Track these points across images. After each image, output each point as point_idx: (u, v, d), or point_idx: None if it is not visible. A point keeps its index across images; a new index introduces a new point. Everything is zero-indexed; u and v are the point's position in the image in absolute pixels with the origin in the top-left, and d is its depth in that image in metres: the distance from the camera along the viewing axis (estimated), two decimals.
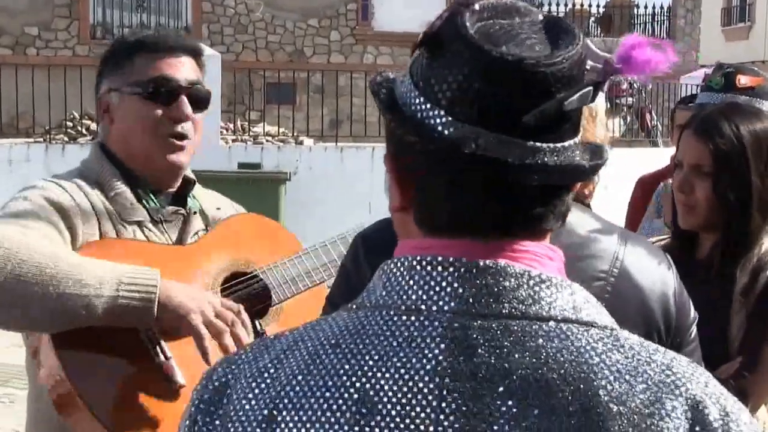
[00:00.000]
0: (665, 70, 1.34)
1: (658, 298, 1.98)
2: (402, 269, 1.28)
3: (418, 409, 1.20)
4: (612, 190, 9.37)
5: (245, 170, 12.21)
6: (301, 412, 1.23)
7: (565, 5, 27.20)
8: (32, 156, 13.94)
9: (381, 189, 9.68)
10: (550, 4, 27.01)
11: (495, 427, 1.18)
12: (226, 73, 15.56)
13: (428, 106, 1.24)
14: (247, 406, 1.26)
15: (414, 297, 1.25)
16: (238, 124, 17.00)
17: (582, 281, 1.75)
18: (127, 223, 2.58)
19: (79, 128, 15.48)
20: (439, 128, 1.23)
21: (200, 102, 2.65)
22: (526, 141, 1.21)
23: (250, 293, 2.63)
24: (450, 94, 1.23)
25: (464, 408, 1.19)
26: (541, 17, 1.29)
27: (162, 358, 2.42)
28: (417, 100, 1.25)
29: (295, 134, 16.42)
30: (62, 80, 15.07)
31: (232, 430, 1.25)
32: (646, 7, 26.83)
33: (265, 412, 1.24)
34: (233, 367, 1.30)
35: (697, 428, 1.19)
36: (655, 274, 2.01)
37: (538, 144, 1.22)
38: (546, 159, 1.22)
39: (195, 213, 2.72)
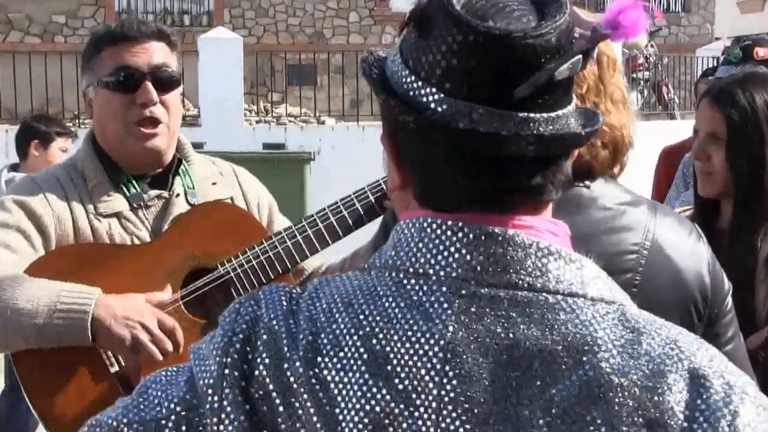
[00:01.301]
0: (645, 30, 1.29)
1: (691, 270, 1.93)
2: (413, 230, 1.26)
3: (423, 371, 1.20)
4: (632, 161, 9.49)
5: (270, 151, 12.20)
6: (318, 370, 1.23)
7: None
8: None
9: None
10: None
11: (497, 396, 1.18)
12: (248, 56, 15.43)
13: (419, 84, 1.22)
14: (271, 365, 1.25)
15: (422, 260, 1.24)
16: (260, 105, 16.85)
17: (615, 254, 1.80)
18: (103, 217, 2.61)
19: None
20: (432, 105, 1.21)
21: (167, 84, 2.66)
22: (519, 112, 1.19)
23: (212, 288, 2.60)
24: (440, 71, 1.21)
25: (466, 375, 1.19)
26: None
27: (116, 367, 2.50)
28: (408, 79, 1.24)
29: (317, 114, 16.36)
30: None
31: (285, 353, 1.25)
32: None
33: (309, 338, 1.25)
34: (257, 307, 1.30)
35: (698, 402, 1.18)
36: (687, 246, 1.96)
37: (532, 114, 1.20)
38: (541, 129, 1.20)
39: (178, 195, 2.71)
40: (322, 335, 1.24)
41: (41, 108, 16.63)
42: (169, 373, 1.35)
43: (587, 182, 1.89)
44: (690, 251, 1.96)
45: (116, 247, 2.60)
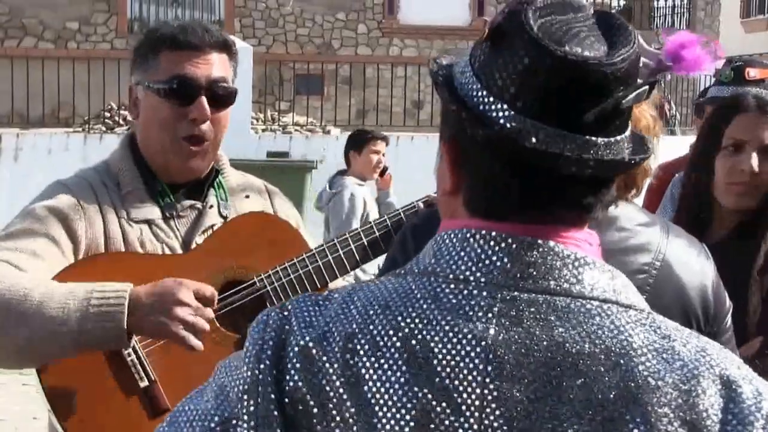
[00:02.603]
0: (712, 69, 1.35)
1: (697, 289, 1.98)
2: (455, 240, 1.29)
3: (465, 371, 1.22)
4: None
5: (273, 159, 12.18)
6: (356, 370, 1.26)
7: None
8: (71, 145, 13.97)
9: (405, 177, 9.47)
10: None
11: (537, 395, 1.21)
12: (257, 65, 15.43)
13: (491, 99, 1.25)
14: (304, 372, 1.27)
15: (463, 267, 1.27)
16: (268, 114, 16.91)
17: (627, 273, 1.68)
18: (135, 223, 2.52)
19: (117, 119, 15.50)
20: (501, 121, 1.24)
21: (222, 100, 2.55)
22: (584, 135, 1.24)
23: (247, 302, 2.52)
24: (513, 89, 1.24)
25: (508, 374, 1.21)
26: (592, 11, 1.31)
27: (146, 381, 2.41)
28: (480, 93, 1.27)
29: (323, 124, 16.37)
30: (101, 73, 15.20)
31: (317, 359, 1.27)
32: (666, 0, 26.61)
33: (336, 363, 1.26)
34: (286, 316, 1.32)
35: (731, 405, 1.21)
36: (696, 266, 2.00)
37: (594, 138, 1.24)
38: (600, 153, 1.25)
39: (211, 207, 2.62)
40: (359, 336, 1.26)
41: (53, 113, 16.76)
42: (194, 398, 1.35)
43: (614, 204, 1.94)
44: (698, 271, 2.01)
45: (148, 257, 2.51)
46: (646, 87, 1.28)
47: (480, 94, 1.27)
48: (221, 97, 2.55)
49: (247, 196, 2.73)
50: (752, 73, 4.27)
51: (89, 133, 14.70)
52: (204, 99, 2.52)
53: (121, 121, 15.27)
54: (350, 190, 7.73)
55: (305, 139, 14.64)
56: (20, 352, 2.30)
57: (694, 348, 1.25)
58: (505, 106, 1.24)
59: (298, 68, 18.78)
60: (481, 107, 1.26)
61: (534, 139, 1.22)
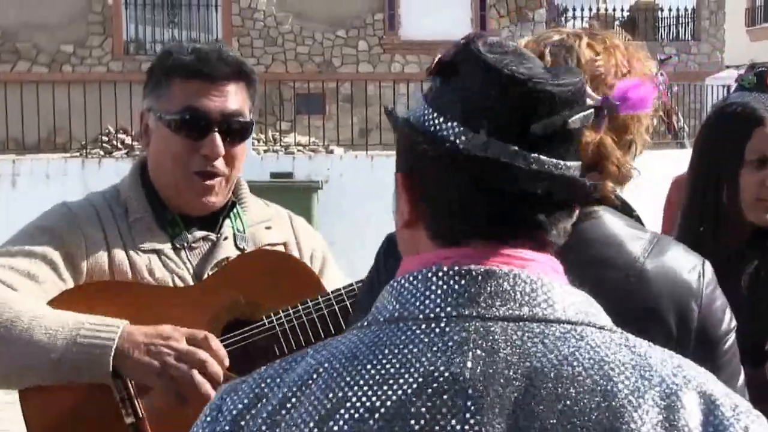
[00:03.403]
0: (652, 106, 1.54)
1: (675, 308, 1.93)
2: (416, 282, 1.31)
3: (444, 410, 1.22)
4: (640, 191, 9.46)
5: (277, 179, 12.25)
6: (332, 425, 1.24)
7: (590, 9, 27.11)
8: (69, 170, 13.86)
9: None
10: (574, 9, 26.99)
11: (519, 424, 1.21)
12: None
13: (441, 120, 1.31)
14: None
15: (432, 305, 1.28)
16: (269, 134, 16.90)
17: (595, 287, 1.74)
18: (143, 252, 2.45)
19: (115, 142, 15.45)
20: (452, 138, 1.29)
21: (237, 135, 2.46)
22: (533, 153, 1.28)
23: (253, 341, 2.43)
24: (462, 109, 1.30)
25: (488, 408, 1.22)
26: (543, 64, 1.38)
27: (132, 418, 2.32)
28: (430, 116, 1.32)
29: (325, 144, 16.39)
30: (97, 96, 15.08)
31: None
32: (670, 10, 26.47)
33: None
34: (243, 402, 1.32)
35: (711, 418, 1.23)
36: (679, 284, 1.95)
37: (542, 157, 1.29)
38: (552, 170, 1.29)
39: (226, 239, 2.53)
40: (331, 396, 1.26)
41: (49, 138, 16.74)
42: None
43: (599, 213, 1.92)
44: (679, 288, 1.95)
45: (153, 288, 2.44)
46: (592, 111, 1.34)
47: (431, 117, 1.32)
48: (236, 131, 2.46)
49: (269, 227, 2.62)
50: None
51: (87, 158, 14.67)
52: (217, 135, 2.42)
53: (120, 145, 15.33)
54: None
55: (309, 159, 14.61)
56: (2, 373, 2.30)
57: (670, 365, 1.27)
58: (455, 124, 1.29)
59: (299, 87, 18.81)
60: (432, 129, 1.31)
61: (484, 152, 1.27)
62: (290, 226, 2.68)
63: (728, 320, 2.01)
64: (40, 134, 16.33)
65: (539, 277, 1.30)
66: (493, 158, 1.27)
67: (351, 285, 2.48)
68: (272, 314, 2.43)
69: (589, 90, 1.38)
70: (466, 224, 1.32)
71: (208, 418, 1.32)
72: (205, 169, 2.44)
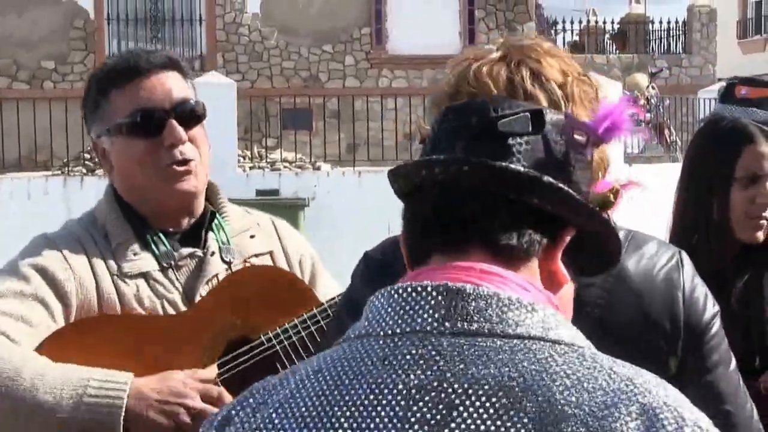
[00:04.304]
0: (628, 126, 1.52)
1: (660, 300, 1.97)
2: (382, 300, 1.37)
3: (386, 419, 1.27)
4: (632, 206, 9.41)
5: (263, 197, 12.26)
6: None
7: (579, 22, 27.24)
8: (51, 189, 14.07)
9: (400, 212, 9.69)
10: (564, 22, 27.06)
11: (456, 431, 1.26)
12: (242, 100, 15.60)
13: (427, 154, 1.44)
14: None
15: (391, 322, 1.34)
16: (255, 151, 17.08)
17: (577, 288, 1.77)
18: (129, 278, 2.42)
19: (97, 160, 15.42)
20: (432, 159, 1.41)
21: (193, 118, 2.46)
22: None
23: (254, 362, 2.42)
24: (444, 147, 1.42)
25: (429, 416, 1.26)
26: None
27: None
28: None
29: (312, 160, 16.54)
30: (79, 112, 14.91)
31: None
32: (661, 23, 26.78)
33: None
34: (228, 407, 1.39)
35: (652, 431, 1.23)
36: (658, 276, 1.99)
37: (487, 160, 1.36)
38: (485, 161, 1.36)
39: (213, 254, 2.50)
40: (280, 410, 1.33)
41: (29, 155, 16.68)
42: None
43: None
44: (660, 280, 1.99)
45: (146, 319, 2.41)
46: (527, 114, 1.39)
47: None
48: (189, 115, 2.46)
49: (252, 236, 2.59)
50: (743, 91, 4.01)
51: (69, 176, 14.85)
52: (174, 122, 2.42)
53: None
54: None
55: (295, 176, 14.72)
56: None
57: (619, 377, 1.28)
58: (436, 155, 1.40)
59: (285, 103, 18.83)
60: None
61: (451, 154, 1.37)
62: (275, 232, 2.64)
63: (711, 305, 2.03)
64: (20, 152, 16.60)
65: (496, 292, 1.33)
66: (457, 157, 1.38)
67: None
68: (270, 332, 2.42)
69: (576, 120, 1.48)
70: (426, 243, 1.39)
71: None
72: (174, 159, 2.42)
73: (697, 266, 2.09)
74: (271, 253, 2.60)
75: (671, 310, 1.97)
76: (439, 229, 1.38)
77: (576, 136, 1.42)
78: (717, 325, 2.04)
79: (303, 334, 2.42)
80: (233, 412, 1.37)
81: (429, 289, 1.34)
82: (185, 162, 2.43)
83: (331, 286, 2.65)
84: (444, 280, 1.34)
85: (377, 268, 2.00)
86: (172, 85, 2.44)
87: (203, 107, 2.50)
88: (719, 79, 21.16)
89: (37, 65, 20.16)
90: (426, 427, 1.26)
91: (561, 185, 1.37)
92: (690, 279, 2.02)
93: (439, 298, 1.33)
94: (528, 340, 1.31)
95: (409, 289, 1.35)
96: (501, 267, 1.36)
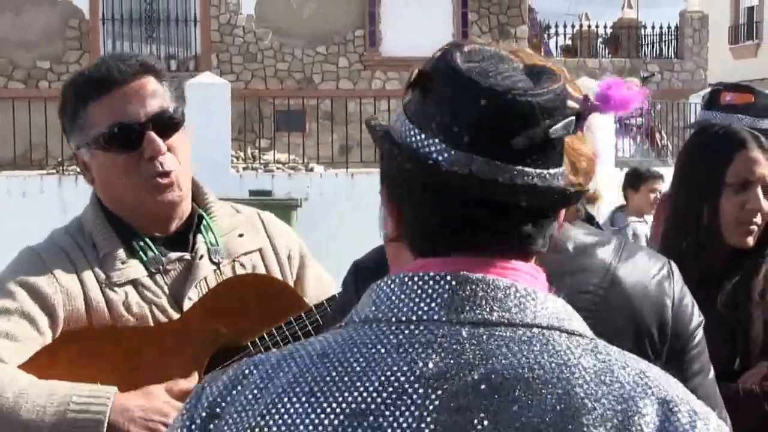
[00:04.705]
0: (638, 107, 1.48)
1: (650, 308, 2.02)
2: (393, 286, 1.34)
3: (403, 408, 1.26)
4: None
5: (256, 197, 12.24)
6: (289, 421, 1.28)
7: (572, 26, 27.23)
8: (46, 188, 14.01)
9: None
10: (557, 26, 27.07)
11: (475, 422, 1.24)
12: (236, 101, 15.57)
13: (423, 136, 1.32)
14: (239, 419, 1.31)
15: (405, 309, 1.32)
16: (248, 151, 17.00)
17: (575, 294, 1.85)
18: (117, 287, 2.41)
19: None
20: (434, 155, 1.31)
21: (171, 126, 2.42)
22: (516, 165, 1.30)
23: None
24: (443, 124, 1.31)
25: (450, 405, 1.25)
26: (522, 65, 1.37)
27: None
28: (412, 132, 1.33)
29: (305, 161, 16.45)
30: None
31: None
32: (653, 27, 26.73)
33: (253, 422, 1.30)
34: (221, 387, 1.35)
35: (667, 424, 1.25)
36: (650, 285, 2.04)
37: (527, 168, 1.31)
38: (535, 181, 1.31)
39: (201, 257, 2.49)
40: (298, 390, 1.29)
41: (25, 154, 16.64)
42: None
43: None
44: (651, 289, 2.03)
45: (132, 331, 2.39)
46: (573, 118, 1.35)
47: (412, 133, 1.33)
48: (167, 124, 2.42)
49: (241, 235, 2.57)
50: (727, 98, 4.23)
51: (64, 175, 14.70)
52: (152, 134, 2.38)
53: None
54: (632, 227, 8.70)
55: (288, 177, 14.65)
56: None
57: (633, 370, 1.30)
58: (437, 140, 1.31)
59: (278, 104, 18.81)
60: (415, 145, 1.33)
61: (466, 169, 1.29)
62: (263, 229, 2.62)
63: (696, 314, 2.10)
64: (16, 151, 16.30)
65: (513, 284, 1.33)
66: (476, 174, 1.29)
67: (334, 296, 2.44)
68: (257, 339, 2.41)
69: (570, 90, 1.40)
70: (446, 237, 1.34)
71: (188, 405, 1.36)
72: (155, 170, 2.39)
73: (686, 270, 2.13)
74: (260, 250, 2.59)
75: (660, 317, 2.02)
76: (466, 229, 1.33)
77: (570, 104, 1.38)
78: (700, 334, 2.09)
79: (291, 339, 2.40)
80: (221, 401, 1.33)
81: (448, 278, 1.32)
82: (166, 174, 2.40)
83: (320, 277, 2.65)
84: (461, 270, 1.33)
85: (367, 277, 2.02)
86: (148, 95, 2.40)
87: (181, 113, 2.46)
88: (710, 85, 21.19)
89: (33, 65, 20.08)
90: (445, 414, 1.25)
91: (572, 189, 1.36)
92: (679, 289, 2.07)
93: (458, 287, 1.31)
94: (546, 330, 1.31)
95: (426, 278, 1.33)
96: (519, 261, 1.36)
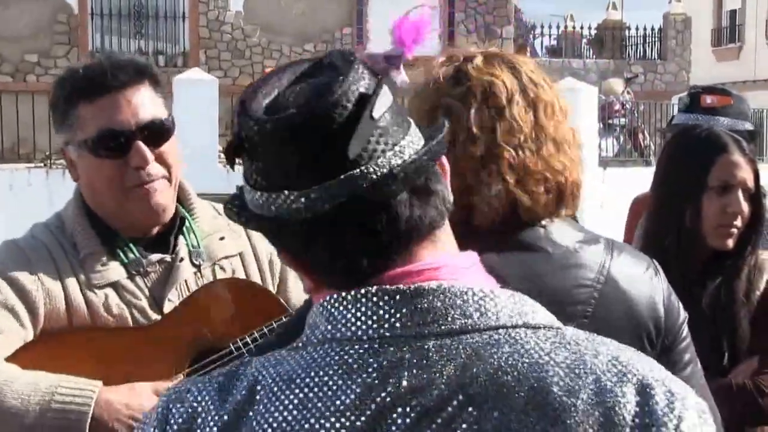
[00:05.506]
0: (428, 33, 1.39)
1: (645, 304, 2.02)
2: (345, 303, 1.29)
3: (384, 427, 1.23)
4: (606, 208, 9.49)
5: None
6: None
7: (558, 27, 27.30)
8: (33, 181, 13.92)
9: None
10: (542, 26, 27.15)
11: None
12: (224, 97, 15.54)
13: (259, 194, 1.29)
14: None
15: (364, 327, 1.28)
16: None
17: (570, 288, 1.92)
18: (97, 288, 2.38)
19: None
20: (285, 207, 1.27)
21: (161, 137, 2.40)
22: (333, 177, 1.25)
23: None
24: (264, 174, 1.29)
25: (431, 421, 1.23)
26: (306, 65, 1.33)
27: None
28: (261, 198, 1.29)
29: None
30: None
31: None
32: (637, 29, 26.78)
33: None
34: (185, 414, 1.31)
35: (646, 409, 1.24)
36: (643, 282, 2.05)
37: (354, 171, 1.25)
38: (373, 179, 1.25)
39: (182, 259, 2.48)
40: (270, 420, 1.26)
41: (12, 148, 16.59)
42: None
43: (543, 223, 1.96)
44: (644, 285, 2.04)
45: (116, 331, 2.37)
46: (384, 89, 1.28)
47: (263, 198, 1.29)
48: (156, 134, 2.39)
49: (222, 238, 2.56)
50: (708, 100, 4.30)
51: (51, 168, 14.65)
52: (140, 143, 2.36)
53: None
54: None
55: None
56: None
57: (605, 358, 1.28)
58: (259, 193, 1.29)
59: None
60: (259, 202, 1.29)
61: (309, 210, 1.25)
62: (244, 233, 2.61)
63: (682, 310, 2.10)
64: (3, 145, 16.20)
65: (469, 288, 1.30)
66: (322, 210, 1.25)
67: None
68: (239, 341, 2.39)
69: (371, 53, 1.35)
70: (357, 269, 1.29)
71: (155, 424, 1.32)
72: (140, 180, 2.37)
73: (667, 271, 2.14)
74: (240, 254, 2.58)
75: (654, 312, 2.02)
76: (372, 252, 1.29)
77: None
78: (687, 329, 2.11)
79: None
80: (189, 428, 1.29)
81: (402, 291, 1.28)
82: (151, 182, 2.38)
83: (298, 285, 2.62)
84: (408, 283, 1.29)
85: None
86: (141, 103, 2.37)
87: (172, 121, 2.44)
88: (692, 86, 21.29)
89: (21, 59, 20.00)
90: (432, 430, 1.22)
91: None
92: (667, 285, 2.09)
93: (411, 299, 1.28)
94: (512, 329, 1.28)
95: (380, 293, 1.28)
96: (434, 250, 1.33)
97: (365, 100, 1.25)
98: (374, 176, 1.25)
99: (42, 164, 15.23)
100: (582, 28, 27.63)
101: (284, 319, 2.40)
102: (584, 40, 27.41)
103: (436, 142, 1.31)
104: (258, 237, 2.59)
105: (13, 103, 15.53)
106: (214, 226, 2.56)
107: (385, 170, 1.25)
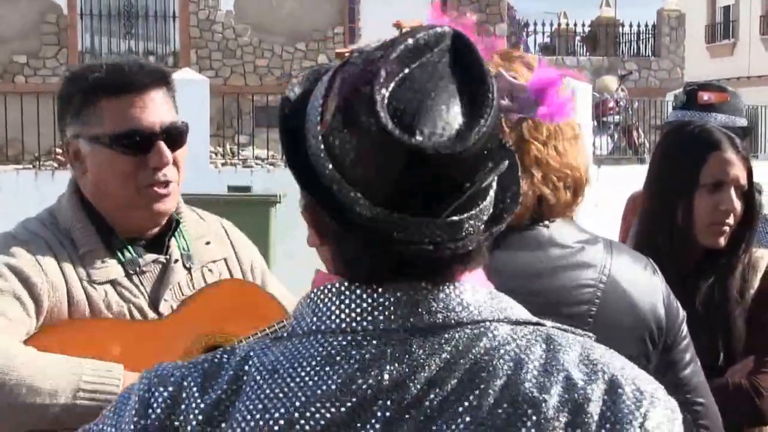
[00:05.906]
0: (570, 113, 1.47)
1: (647, 305, 2.05)
2: (330, 295, 1.32)
3: (365, 421, 1.26)
4: (602, 207, 9.43)
5: (235, 193, 12.17)
6: None
7: (551, 24, 27.33)
8: (22, 182, 13.87)
9: None
10: (535, 24, 27.15)
11: (434, 428, 1.26)
12: (215, 97, 15.52)
13: (347, 187, 1.26)
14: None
15: (348, 319, 1.30)
16: (227, 147, 16.95)
17: (572, 288, 1.96)
18: (98, 284, 2.41)
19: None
20: (357, 209, 1.26)
21: (179, 140, 2.46)
22: (435, 218, 1.26)
23: None
24: (363, 177, 1.25)
25: (413, 414, 1.26)
26: (456, 85, 1.27)
27: None
28: (336, 177, 1.27)
29: (284, 157, 16.43)
30: (51, 107, 14.57)
31: None
32: (631, 26, 26.90)
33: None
34: (168, 398, 1.33)
35: (612, 407, 1.27)
36: (643, 282, 2.08)
37: (455, 217, 1.27)
38: (467, 230, 1.29)
39: (176, 261, 2.53)
40: (252, 409, 1.28)
41: (1, 150, 16.56)
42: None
43: (546, 222, 1.99)
44: (645, 285, 2.07)
45: (125, 324, 2.42)
46: (506, 163, 1.30)
47: (336, 179, 1.27)
48: (176, 138, 2.45)
49: (208, 243, 2.62)
50: (705, 97, 4.30)
51: (40, 170, 14.57)
52: (162, 144, 2.41)
53: None
54: None
55: (267, 173, 14.61)
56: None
57: (578, 355, 1.31)
58: (359, 195, 1.25)
59: (257, 100, 18.73)
60: (339, 195, 1.27)
61: (394, 233, 1.25)
62: (227, 239, 2.68)
63: (681, 309, 2.14)
64: None
65: (450, 284, 1.32)
66: (399, 235, 1.26)
67: None
68: (243, 339, 2.41)
69: (510, 80, 1.39)
70: (371, 271, 1.31)
71: (135, 404, 1.34)
72: (155, 180, 2.42)
73: (662, 270, 2.15)
74: (225, 260, 2.63)
75: (655, 312, 2.05)
76: (396, 271, 1.30)
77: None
78: (686, 327, 2.14)
79: None
80: (172, 414, 1.32)
81: (386, 285, 1.31)
82: (166, 184, 2.43)
83: (279, 292, 2.67)
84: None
85: None
86: (164, 106, 2.43)
87: (187, 127, 2.49)
88: (687, 83, 21.32)
89: (9, 59, 20.03)
90: (411, 423, 1.26)
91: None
92: (665, 285, 2.12)
93: (398, 294, 1.30)
94: (489, 323, 1.31)
95: (364, 287, 1.31)
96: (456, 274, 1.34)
97: (485, 159, 1.27)
98: (452, 233, 1.28)
99: (31, 166, 15.20)
100: (575, 25, 27.70)
101: (285, 321, 2.45)
102: (578, 38, 27.43)
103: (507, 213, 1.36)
104: (240, 243, 2.69)
105: (2, 104, 15.43)
106: (199, 231, 2.61)
107: (472, 245, 1.30)
